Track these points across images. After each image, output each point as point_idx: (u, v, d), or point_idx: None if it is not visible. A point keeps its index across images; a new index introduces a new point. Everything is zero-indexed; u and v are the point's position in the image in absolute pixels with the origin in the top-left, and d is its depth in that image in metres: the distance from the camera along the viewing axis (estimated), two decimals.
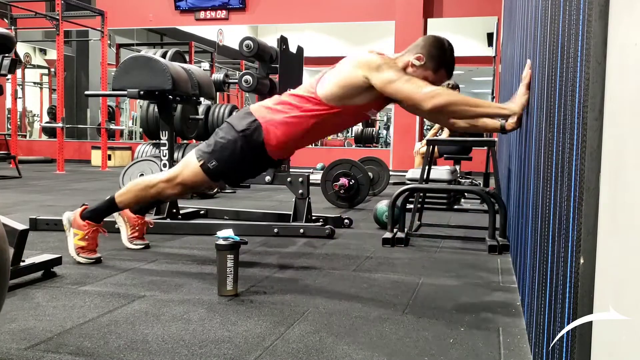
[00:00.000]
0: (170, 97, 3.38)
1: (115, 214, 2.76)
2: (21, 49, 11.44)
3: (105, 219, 2.55)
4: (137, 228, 2.80)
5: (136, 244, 2.79)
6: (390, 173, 5.88)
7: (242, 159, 2.31)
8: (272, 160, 2.37)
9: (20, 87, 11.91)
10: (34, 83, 13.96)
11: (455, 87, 6.11)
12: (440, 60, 2.19)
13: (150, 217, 3.19)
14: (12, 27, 8.61)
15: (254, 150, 2.28)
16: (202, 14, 10.27)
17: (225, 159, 2.29)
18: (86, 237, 2.43)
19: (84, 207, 2.51)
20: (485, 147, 4.27)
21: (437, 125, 6.66)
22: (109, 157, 9.23)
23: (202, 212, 3.79)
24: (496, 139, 4.56)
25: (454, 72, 2.31)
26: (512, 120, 2.08)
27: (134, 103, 12.42)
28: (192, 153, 2.35)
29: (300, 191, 3.38)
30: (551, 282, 1.14)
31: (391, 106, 9.78)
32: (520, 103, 1.95)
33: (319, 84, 2.21)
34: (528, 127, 1.92)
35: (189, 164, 2.33)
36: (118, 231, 2.86)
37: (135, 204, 2.61)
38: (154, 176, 2.48)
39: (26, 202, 4.58)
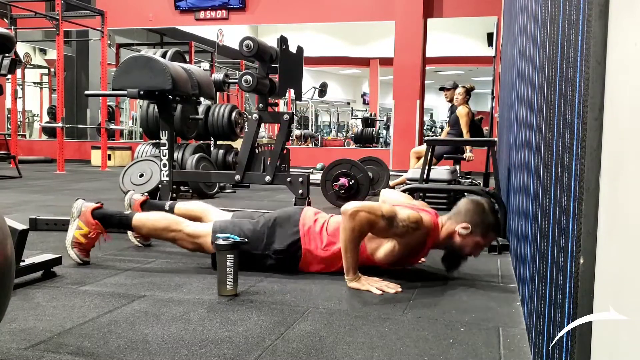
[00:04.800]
0: (170, 97, 3.38)
1: (126, 206, 2.78)
2: (21, 49, 11.44)
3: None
4: None
5: (139, 241, 2.80)
6: (390, 173, 5.88)
7: (259, 265, 2.35)
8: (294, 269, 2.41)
9: (20, 87, 11.90)
10: (34, 83, 13.96)
11: (469, 91, 6.13)
12: (486, 226, 2.24)
13: None
14: (12, 27, 8.60)
15: (279, 265, 2.33)
16: (202, 14, 10.27)
17: (240, 259, 2.30)
18: (89, 235, 2.40)
19: (98, 204, 2.47)
20: (485, 147, 4.27)
21: (446, 128, 6.67)
22: (109, 157, 9.23)
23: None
24: (496, 139, 4.56)
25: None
26: (347, 278, 2.17)
27: (134, 103, 12.42)
28: (217, 227, 2.33)
29: (300, 191, 3.38)
30: (551, 282, 1.14)
31: (391, 106, 9.81)
32: (353, 284, 2.13)
33: None
34: (528, 127, 1.92)
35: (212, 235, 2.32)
36: (119, 232, 2.86)
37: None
38: (180, 221, 2.41)
39: (26, 202, 4.58)
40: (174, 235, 2.38)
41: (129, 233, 2.79)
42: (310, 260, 2.32)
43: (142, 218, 2.44)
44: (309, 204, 3.41)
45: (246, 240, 2.07)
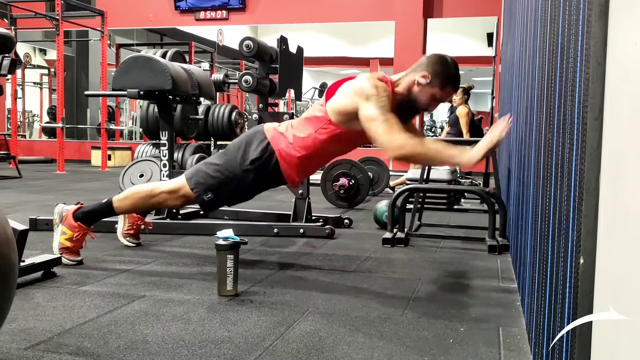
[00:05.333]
0: (170, 97, 3.38)
1: None
2: (21, 49, 11.44)
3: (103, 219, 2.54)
4: (134, 226, 2.80)
5: (129, 241, 2.79)
6: (390, 173, 5.88)
7: (246, 188, 2.34)
8: (277, 183, 2.39)
9: (20, 87, 11.90)
10: (34, 83, 13.96)
11: (468, 90, 6.13)
12: (445, 77, 2.22)
13: (150, 217, 3.20)
14: (12, 27, 8.60)
15: (262, 177, 2.31)
16: (202, 14, 10.27)
17: (225, 192, 2.31)
18: (74, 238, 2.40)
19: (78, 205, 2.47)
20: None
21: (446, 128, 6.68)
22: (109, 157, 9.23)
23: (201, 212, 3.79)
24: None
25: None
26: (464, 160, 2.10)
27: (134, 103, 12.42)
28: (190, 174, 2.34)
29: (300, 191, 3.38)
30: (551, 282, 1.14)
31: None
32: (475, 156, 2.05)
33: (327, 102, 2.24)
34: (528, 127, 1.92)
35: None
36: (116, 231, 2.86)
37: (134, 211, 2.60)
38: (156, 185, 2.44)
39: (26, 202, 4.58)
40: (156, 199, 2.38)
41: (118, 233, 2.78)
42: (288, 157, 2.26)
43: (120, 197, 2.44)
44: (308, 204, 3.41)
45: (246, 240, 2.07)
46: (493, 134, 2.07)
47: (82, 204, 2.50)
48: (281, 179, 2.32)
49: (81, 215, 2.43)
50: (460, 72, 2.30)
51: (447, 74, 2.21)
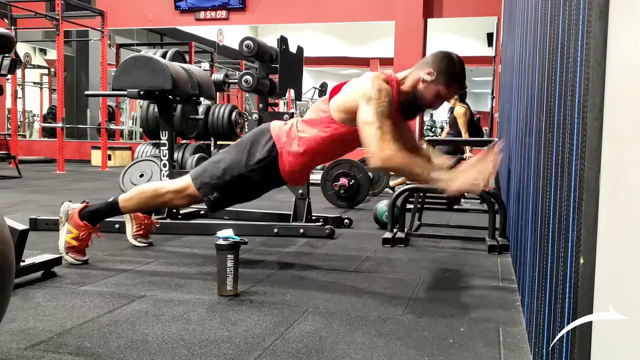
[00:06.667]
0: (170, 97, 3.38)
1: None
2: (21, 49, 11.44)
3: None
4: (142, 226, 2.80)
5: (140, 242, 2.79)
6: (390, 173, 5.88)
7: (252, 187, 2.34)
8: (283, 183, 2.39)
9: (20, 87, 11.90)
10: (34, 83, 13.96)
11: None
12: (451, 74, 2.19)
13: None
14: (12, 27, 8.60)
15: (268, 177, 2.31)
16: (202, 14, 10.27)
17: (231, 192, 2.30)
18: (80, 237, 2.40)
19: (84, 204, 2.46)
20: (485, 147, 4.26)
21: (446, 129, 6.66)
22: (109, 157, 9.23)
23: (202, 212, 3.79)
24: (496, 139, 4.56)
25: None
26: (446, 184, 2.00)
27: (134, 103, 12.41)
28: (195, 174, 2.34)
29: (300, 191, 3.38)
30: (551, 282, 1.14)
31: None
32: (459, 187, 1.95)
33: (331, 101, 2.24)
34: (528, 127, 1.92)
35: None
36: (117, 231, 2.86)
37: (139, 210, 2.61)
38: (162, 185, 2.44)
39: (26, 202, 4.58)
40: (162, 199, 2.38)
41: (128, 234, 2.79)
42: (287, 156, 2.25)
43: (126, 196, 2.44)
44: (309, 204, 3.41)
45: (246, 240, 2.07)
46: (482, 169, 1.95)
47: (88, 202, 2.49)
48: (278, 168, 2.30)
49: (87, 214, 2.43)
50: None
51: (452, 71, 2.19)
